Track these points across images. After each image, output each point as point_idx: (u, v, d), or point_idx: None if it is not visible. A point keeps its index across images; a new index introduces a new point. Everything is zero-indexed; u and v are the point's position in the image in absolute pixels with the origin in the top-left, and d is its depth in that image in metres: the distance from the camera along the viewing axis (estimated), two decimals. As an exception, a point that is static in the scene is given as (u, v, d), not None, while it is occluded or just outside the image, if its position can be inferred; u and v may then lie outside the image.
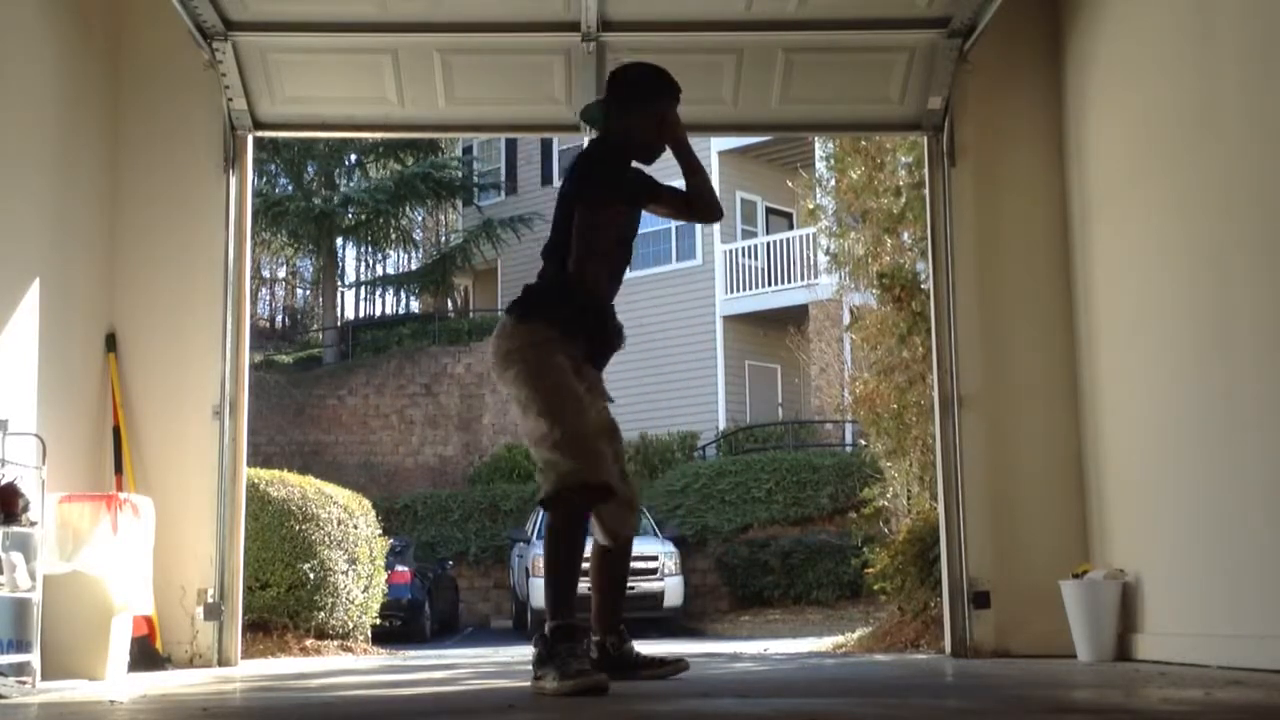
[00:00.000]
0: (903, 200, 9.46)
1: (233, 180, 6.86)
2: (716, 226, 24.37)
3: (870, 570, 9.40)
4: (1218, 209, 5.32)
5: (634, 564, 16.69)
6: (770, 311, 23.37)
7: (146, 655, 6.28)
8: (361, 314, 35.18)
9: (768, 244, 24.18)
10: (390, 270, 34.52)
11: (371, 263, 35.83)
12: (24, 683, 5.09)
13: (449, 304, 31.20)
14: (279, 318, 38.06)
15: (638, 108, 4.57)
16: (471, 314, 29.93)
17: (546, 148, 28.30)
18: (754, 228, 25.11)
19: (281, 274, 37.78)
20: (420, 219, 33.32)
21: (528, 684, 4.31)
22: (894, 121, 7.29)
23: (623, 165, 4.60)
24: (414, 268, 32.54)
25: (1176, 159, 5.71)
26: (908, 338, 9.06)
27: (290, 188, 27.66)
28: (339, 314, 30.37)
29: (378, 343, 27.29)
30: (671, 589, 16.50)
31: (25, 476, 5.40)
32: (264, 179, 26.71)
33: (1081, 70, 6.72)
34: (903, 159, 9.51)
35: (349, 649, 9.97)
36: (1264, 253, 4.95)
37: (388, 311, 34.53)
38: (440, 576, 18.13)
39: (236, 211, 6.87)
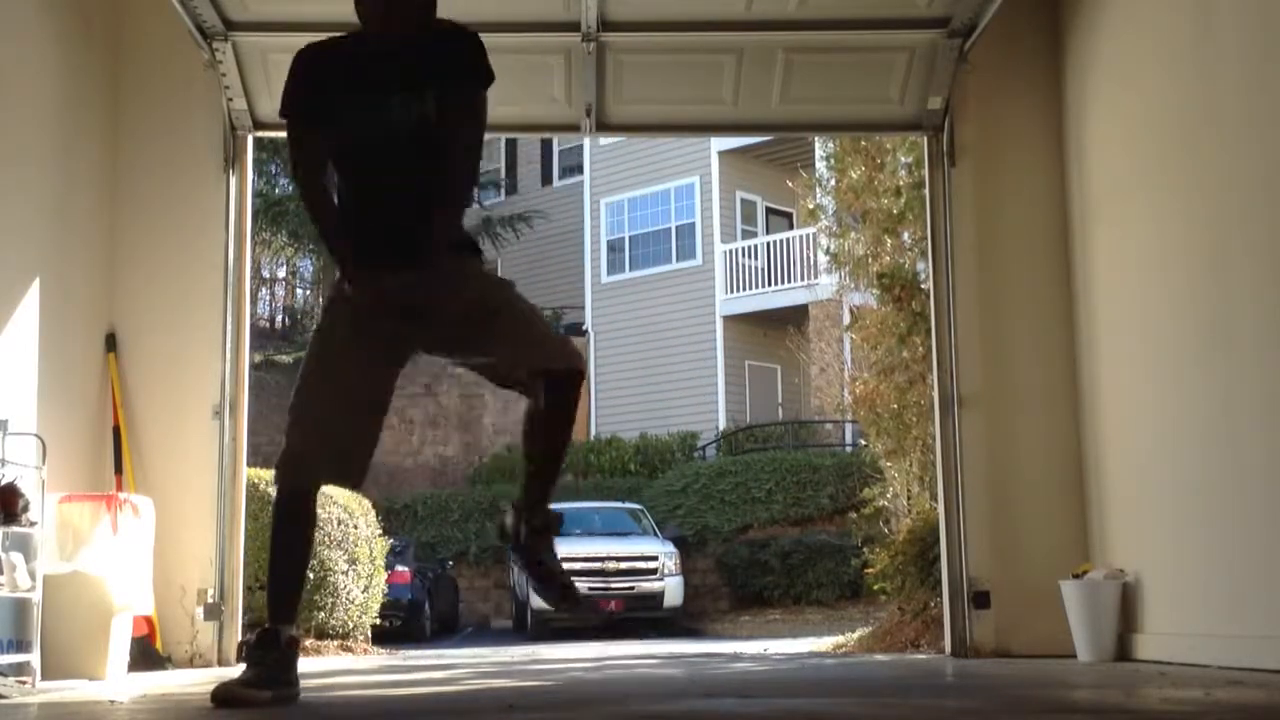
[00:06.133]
0: (903, 200, 9.47)
1: (233, 180, 6.86)
2: (717, 226, 24.40)
3: (870, 570, 9.41)
4: (1218, 208, 5.32)
5: (634, 564, 16.79)
6: (770, 311, 23.35)
7: (146, 655, 6.28)
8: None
9: (768, 244, 24.17)
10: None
11: (372, 262, 35.76)
12: (24, 683, 5.09)
13: (449, 304, 31.17)
14: (279, 318, 38.02)
15: None
16: (472, 314, 29.88)
17: (546, 147, 28.31)
18: (754, 228, 25.10)
19: (281, 274, 37.74)
20: (420, 218, 33.26)
21: (528, 684, 4.31)
22: (894, 121, 7.29)
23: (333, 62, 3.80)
24: (414, 267, 32.49)
25: (1176, 159, 5.71)
26: (908, 338, 9.07)
27: (290, 188, 27.63)
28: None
29: (377, 342, 27.22)
30: (671, 589, 16.50)
31: (25, 476, 5.40)
32: (264, 179, 26.71)
33: (1081, 70, 6.72)
34: (903, 159, 9.52)
35: (349, 649, 9.97)
36: (1264, 252, 4.96)
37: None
38: (440, 576, 18.13)
39: (236, 211, 6.87)
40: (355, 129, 3.76)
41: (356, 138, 3.76)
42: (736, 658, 7.62)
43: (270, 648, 3.65)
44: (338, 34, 3.92)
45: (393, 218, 3.74)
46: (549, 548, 3.89)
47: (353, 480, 3.93)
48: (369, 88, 3.74)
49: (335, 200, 3.87)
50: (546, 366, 3.77)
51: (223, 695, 3.54)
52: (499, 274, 4.01)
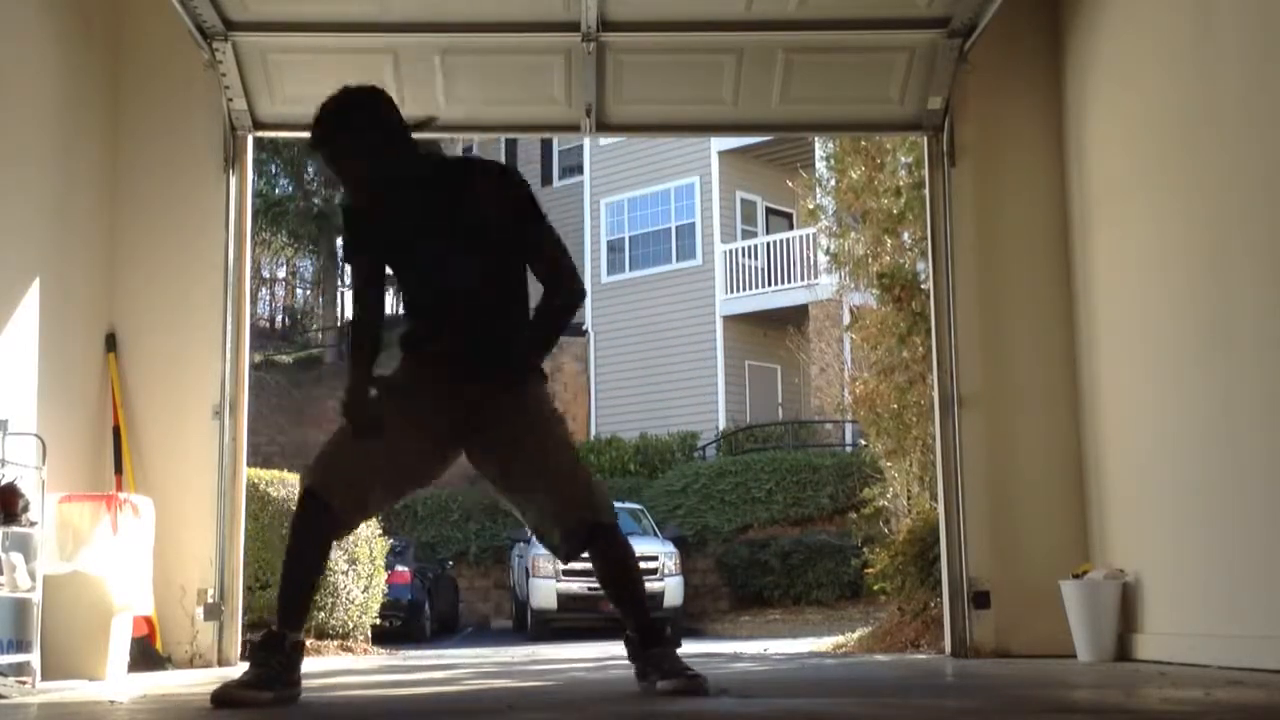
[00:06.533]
0: (903, 200, 9.47)
1: (233, 180, 6.86)
2: (717, 226, 24.39)
3: (870, 570, 9.41)
4: (1218, 208, 5.32)
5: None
6: (770, 311, 23.37)
7: (146, 655, 6.28)
8: (361, 314, 35.03)
9: (768, 244, 24.18)
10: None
11: (372, 262, 35.76)
12: (24, 683, 5.09)
13: (449, 304, 31.14)
14: (279, 318, 38.01)
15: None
16: (472, 314, 29.87)
17: (546, 148, 28.32)
18: (754, 228, 25.11)
19: (281, 274, 37.74)
20: (421, 219, 33.24)
21: (528, 684, 4.31)
22: (894, 121, 7.28)
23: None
24: (414, 267, 32.45)
25: (1176, 159, 5.71)
26: (908, 338, 9.07)
27: (290, 188, 27.66)
28: (339, 314, 30.34)
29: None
30: (671, 589, 16.49)
31: (25, 476, 5.40)
32: (264, 179, 26.72)
33: (1081, 70, 6.72)
34: (903, 159, 9.52)
35: (349, 649, 9.97)
36: (1264, 252, 4.96)
37: (388, 311, 34.45)
38: (440, 576, 18.13)
39: (236, 211, 6.87)
40: (398, 274, 3.97)
41: (399, 280, 3.98)
42: (736, 658, 7.62)
43: (274, 650, 3.68)
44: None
45: (459, 348, 3.89)
46: (673, 657, 3.93)
47: (351, 522, 3.95)
48: (399, 235, 3.90)
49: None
50: (575, 523, 3.92)
51: (222, 696, 3.56)
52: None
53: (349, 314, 32.58)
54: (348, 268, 4.17)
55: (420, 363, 3.95)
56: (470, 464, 4.01)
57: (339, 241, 4.59)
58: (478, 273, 3.87)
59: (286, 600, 3.80)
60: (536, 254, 3.94)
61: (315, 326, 33.46)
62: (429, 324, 3.97)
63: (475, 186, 3.91)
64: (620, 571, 4.04)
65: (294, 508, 3.90)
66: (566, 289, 3.95)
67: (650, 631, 3.97)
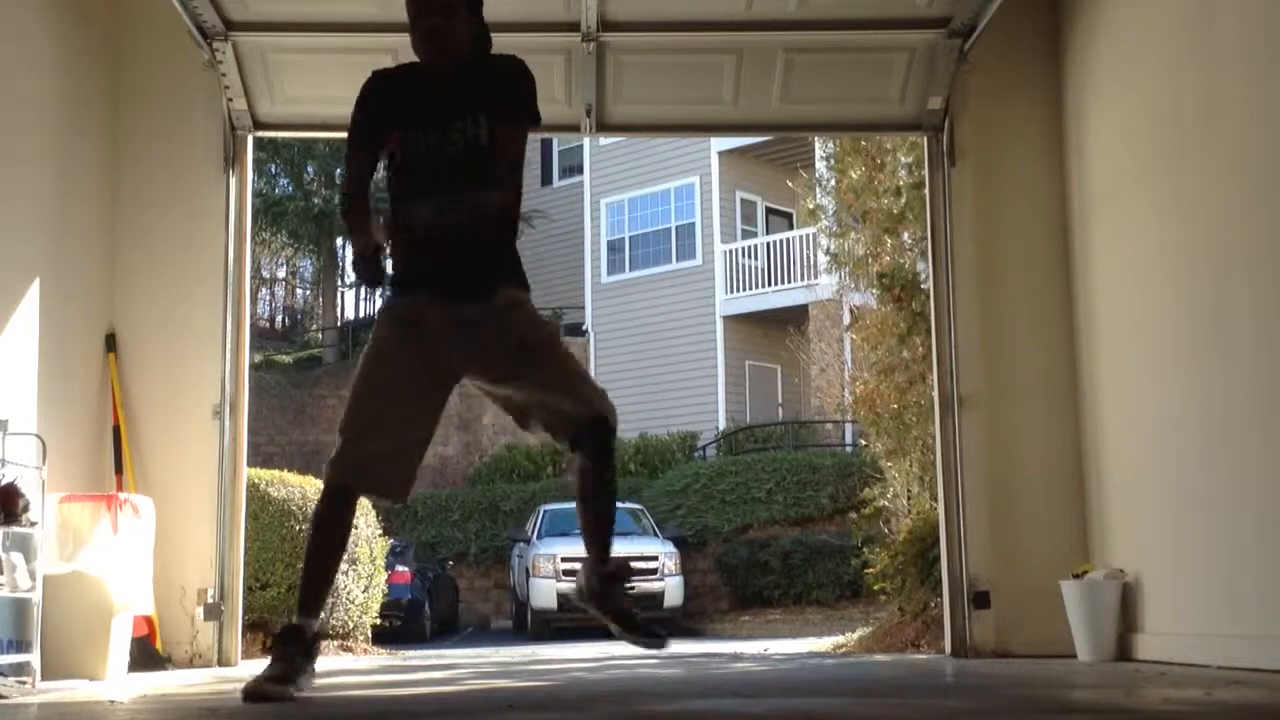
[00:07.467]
0: (903, 200, 9.46)
1: (233, 180, 6.86)
2: (717, 226, 24.39)
3: (870, 570, 9.41)
4: (1217, 209, 5.32)
5: (634, 564, 16.83)
6: (770, 311, 23.36)
7: (146, 655, 6.28)
8: (362, 314, 35.16)
9: (768, 244, 24.17)
10: (390, 270, 34.49)
11: (371, 263, 35.82)
12: (24, 683, 5.09)
13: (449, 304, 31.15)
14: (279, 318, 38.02)
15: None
16: (471, 314, 29.88)
17: (546, 147, 28.31)
18: (754, 228, 25.10)
19: (281, 274, 37.75)
20: (421, 218, 33.27)
21: (528, 684, 4.31)
22: (894, 121, 7.29)
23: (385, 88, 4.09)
24: (414, 267, 32.45)
25: (1176, 159, 5.71)
26: (908, 338, 9.06)
27: (290, 188, 27.66)
28: (339, 314, 30.37)
29: (378, 343, 27.28)
30: (671, 589, 16.49)
31: (25, 476, 5.40)
32: (264, 179, 26.73)
33: (1081, 70, 6.73)
34: (903, 159, 9.51)
35: (349, 649, 9.98)
36: (1263, 252, 4.96)
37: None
38: (440, 576, 18.13)
39: (236, 211, 6.87)
40: (414, 153, 3.94)
41: (415, 162, 3.94)
42: (736, 658, 7.62)
43: (296, 642, 3.83)
44: (406, 64, 4.18)
45: (449, 240, 3.89)
46: (623, 594, 3.98)
47: (397, 494, 4.10)
48: (427, 114, 3.94)
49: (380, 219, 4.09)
50: (576, 412, 3.94)
51: (254, 691, 3.67)
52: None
53: (348, 314, 32.62)
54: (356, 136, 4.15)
55: (417, 287, 3.95)
56: (474, 385, 4.07)
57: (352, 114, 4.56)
58: (486, 159, 3.93)
59: (308, 591, 3.94)
60: (509, 146, 4.04)
61: (315, 326, 33.50)
62: (425, 206, 3.90)
63: (501, 75, 4.12)
64: (600, 475, 3.99)
65: (312, 503, 3.96)
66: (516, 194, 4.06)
67: (607, 558, 3.97)
